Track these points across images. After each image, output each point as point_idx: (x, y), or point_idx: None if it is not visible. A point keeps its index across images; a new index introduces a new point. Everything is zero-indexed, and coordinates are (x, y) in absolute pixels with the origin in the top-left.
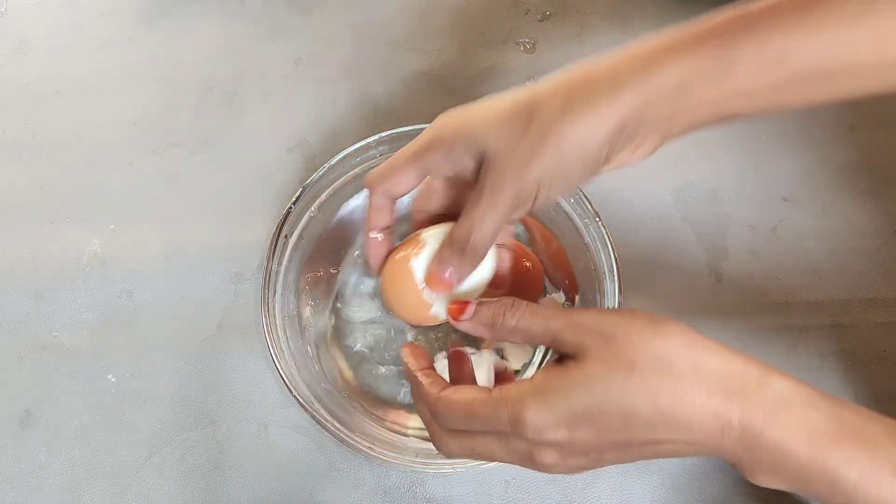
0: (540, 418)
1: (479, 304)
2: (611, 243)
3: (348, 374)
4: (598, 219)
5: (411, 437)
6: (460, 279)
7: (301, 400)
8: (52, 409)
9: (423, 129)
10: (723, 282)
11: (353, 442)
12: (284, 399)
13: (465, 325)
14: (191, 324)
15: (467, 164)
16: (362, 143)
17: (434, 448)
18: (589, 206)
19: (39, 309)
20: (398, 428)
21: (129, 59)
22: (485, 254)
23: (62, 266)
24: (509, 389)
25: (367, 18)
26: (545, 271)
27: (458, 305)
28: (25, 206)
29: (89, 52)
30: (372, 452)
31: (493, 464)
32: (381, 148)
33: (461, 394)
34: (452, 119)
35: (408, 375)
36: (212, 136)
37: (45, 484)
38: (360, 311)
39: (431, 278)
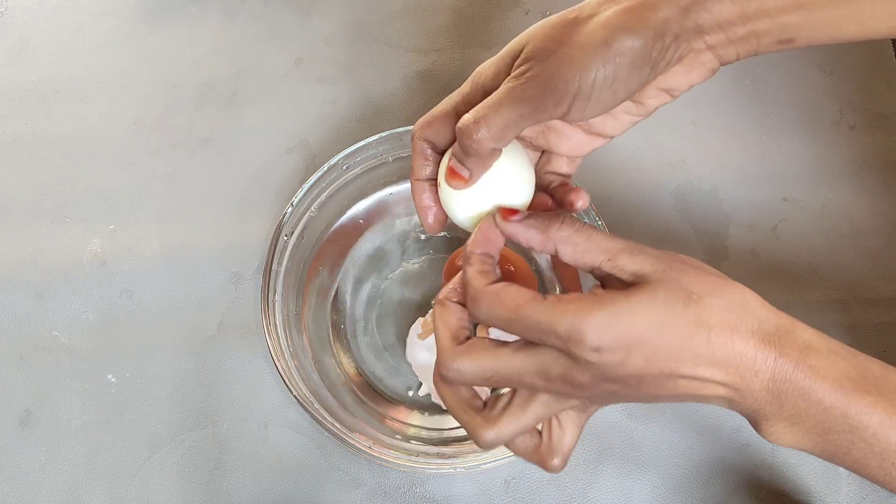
0: (601, 335)
1: (530, 213)
2: None
3: (350, 369)
4: (598, 219)
5: (411, 439)
6: (473, 176)
7: (301, 400)
8: (52, 409)
9: None
10: None
11: (353, 442)
12: (284, 399)
13: (513, 227)
14: (191, 324)
15: None
16: (362, 143)
17: (433, 447)
18: (589, 206)
19: (39, 309)
20: (398, 427)
21: (129, 59)
22: (491, 150)
23: (62, 266)
24: (568, 299)
25: (367, 18)
26: (551, 271)
27: (508, 210)
28: (25, 206)
29: (89, 52)
30: (372, 452)
31: (492, 464)
32: (380, 148)
33: (513, 291)
34: (490, 59)
35: (465, 252)
36: (212, 136)
37: (45, 484)
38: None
39: (447, 170)
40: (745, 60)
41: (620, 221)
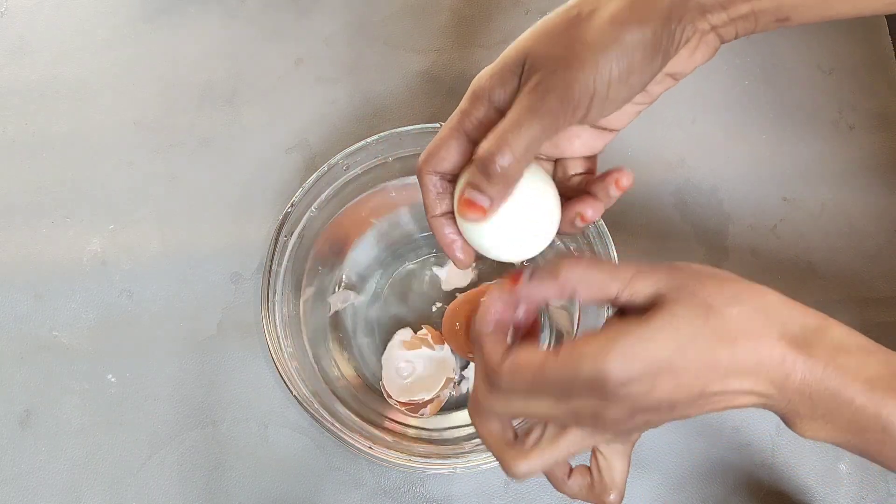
0: (624, 370)
1: (533, 266)
2: (611, 243)
3: (350, 369)
4: (598, 218)
5: (411, 439)
6: (494, 205)
7: (301, 400)
8: (52, 409)
9: (422, 129)
10: None
11: (352, 442)
12: (284, 399)
13: (526, 289)
14: (191, 324)
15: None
16: (362, 143)
17: (433, 448)
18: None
19: (39, 309)
20: (398, 428)
21: (129, 59)
22: (517, 174)
23: (62, 266)
24: (581, 345)
25: (368, 18)
26: None
27: (512, 276)
28: (25, 206)
29: (89, 52)
30: (372, 452)
31: (492, 464)
32: (380, 148)
33: (528, 357)
34: (487, 68)
35: (474, 334)
36: (212, 136)
37: (45, 484)
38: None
39: (461, 203)
40: (744, 60)
41: (620, 221)
